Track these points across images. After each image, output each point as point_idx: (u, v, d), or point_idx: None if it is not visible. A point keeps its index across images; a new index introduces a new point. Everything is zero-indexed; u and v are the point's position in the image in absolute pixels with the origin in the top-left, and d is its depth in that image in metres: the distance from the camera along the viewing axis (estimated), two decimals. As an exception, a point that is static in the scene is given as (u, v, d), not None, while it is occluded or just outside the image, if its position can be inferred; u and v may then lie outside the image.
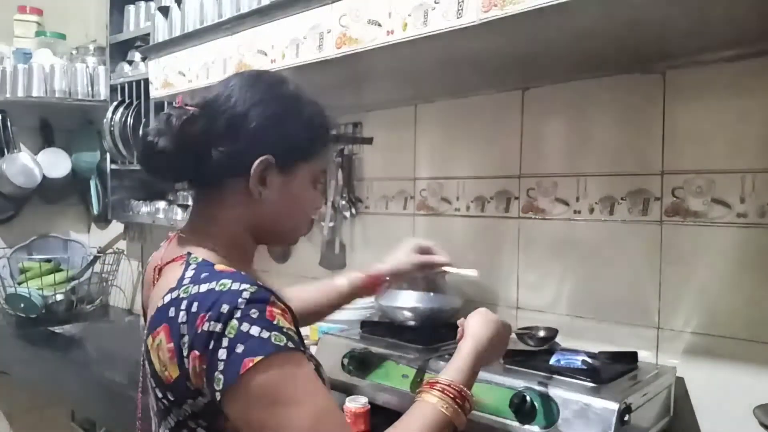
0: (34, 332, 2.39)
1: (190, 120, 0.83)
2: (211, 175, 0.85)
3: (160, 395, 0.80)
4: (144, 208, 2.60)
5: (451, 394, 0.87)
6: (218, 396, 0.72)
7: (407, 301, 1.51)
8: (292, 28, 1.38)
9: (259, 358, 0.71)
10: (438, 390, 0.87)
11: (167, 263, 0.87)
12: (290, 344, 0.74)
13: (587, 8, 0.96)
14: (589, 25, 1.07)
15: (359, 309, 1.70)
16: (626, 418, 1.05)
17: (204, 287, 0.76)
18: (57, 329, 2.45)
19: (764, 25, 1.08)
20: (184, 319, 0.75)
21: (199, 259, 0.83)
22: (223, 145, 0.84)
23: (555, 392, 1.11)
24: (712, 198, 1.27)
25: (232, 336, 0.72)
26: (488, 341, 0.97)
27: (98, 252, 2.78)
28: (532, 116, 1.56)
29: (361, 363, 1.38)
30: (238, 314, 0.72)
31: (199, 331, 0.73)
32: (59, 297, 2.59)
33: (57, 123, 2.89)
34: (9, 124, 2.69)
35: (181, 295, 0.77)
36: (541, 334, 1.32)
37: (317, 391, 0.77)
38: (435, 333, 1.47)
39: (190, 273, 0.80)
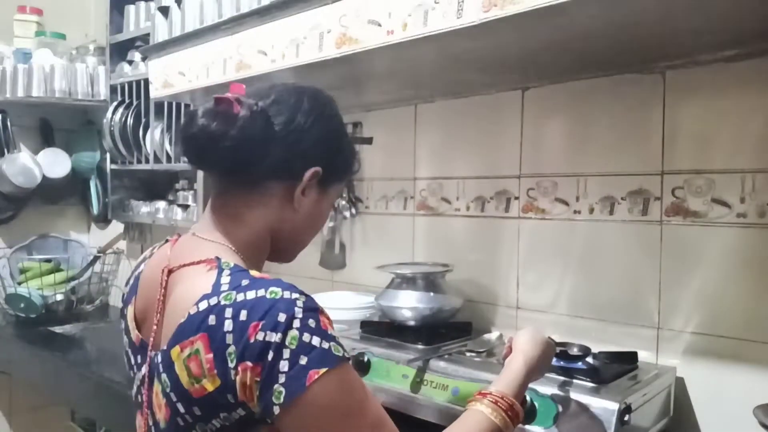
0: (34, 332, 2.39)
1: (260, 113, 0.82)
2: (259, 172, 0.84)
3: (182, 410, 0.75)
4: (144, 208, 2.61)
5: (503, 406, 0.88)
6: (276, 410, 0.70)
7: (407, 301, 1.51)
8: (292, 28, 1.38)
9: (324, 369, 0.70)
10: (490, 401, 0.88)
11: (183, 266, 0.83)
12: (346, 355, 0.74)
13: (587, 8, 0.96)
14: (589, 25, 1.07)
15: (359, 309, 1.71)
16: (626, 418, 1.05)
17: (251, 294, 0.73)
18: (57, 329, 2.45)
19: (764, 25, 1.08)
20: (230, 328, 0.71)
21: (232, 264, 0.79)
22: (283, 146, 0.83)
23: (555, 392, 1.11)
24: (712, 198, 1.27)
25: (294, 347, 0.70)
26: (537, 359, 0.99)
27: (98, 252, 2.77)
28: (532, 116, 1.56)
29: (361, 363, 1.38)
30: (297, 324, 0.70)
31: (252, 340, 0.69)
32: (59, 297, 2.59)
33: (57, 123, 2.89)
34: (9, 124, 2.69)
35: (222, 302, 0.73)
36: (574, 351, 1.26)
37: (372, 402, 0.76)
38: (435, 333, 1.47)
39: (226, 279, 0.76)
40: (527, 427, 1.11)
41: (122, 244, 2.91)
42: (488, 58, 1.33)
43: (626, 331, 1.39)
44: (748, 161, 1.22)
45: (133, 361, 0.90)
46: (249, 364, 0.70)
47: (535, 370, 0.98)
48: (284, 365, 0.69)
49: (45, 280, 2.55)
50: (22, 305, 2.51)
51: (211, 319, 0.72)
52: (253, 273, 0.78)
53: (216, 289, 0.75)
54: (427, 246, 1.81)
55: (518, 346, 1.00)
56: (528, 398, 1.10)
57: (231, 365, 0.70)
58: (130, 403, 0.95)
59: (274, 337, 0.69)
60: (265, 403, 0.70)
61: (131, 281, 0.95)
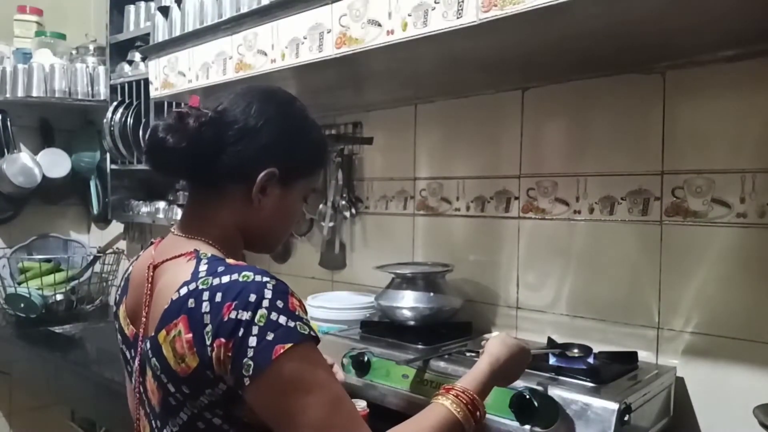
0: (34, 332, 2.39)
1: (208, 123, 0.87)
2: (216, 177, 0.89)
3: (173, 390, 0.81)
4: (144, 208, 2.60)
5: (464, 400, 0.91)
6: (246, 381, 0.75)
7: (407, 301, 1.51)
8: (292, 28, 1.38)
9: (289, 345, 0.76)
10: (453, 395, 0.92)
11: (167, 260, 0.89)
12: (312, 333, 0.79)
13: (587, 8, 0.97)
14: (589, 25, 1.07)
15: (359, 309, 1.71)
16: (626, 418, 1.05)
17: (225, 278, 0.79)
18: (57, 329, 2.45)
19: (764, 25, 1.08)
20: (207, 309, 0.77)
21: (209, 255, 0.86)
22: (233, 152, 0.88)
23: (555, 392, 1.11)
24: (712, 198, 1.27)
25: (262, 324, 0.76)
26: (504, 362, 1.01)
27: (98, 252, 2.77)
28: (532, 116, 1.56)
29: (361, 363, 1.38)
30: (266, 304, 0.77)
31: (225, 319, 0.76)
32: (59, 297, 2.59)
33: (57, 123, 2.89)
34: (9, 124, 2.69)
35: (200, 287, 0.79)
36: (575, 352, 1.27)
37: (333, 380, 0.81)
38: (435, 333, 1.47)
39: (204, 267, 0.83)
40: (527, 427, 1.11)
41: (122, 244, 2.92)
42: (488, 58, 1.33)
43: (626, 331, 1.39)
44: (748, 161, 1.22)
45: (128, 356, 0.95)
46: (222, 340, 0.76)
47: (502, 371, 1.01)
48: (253, 340, 0.75)
49: (45, 280, 2.55)
50: (22, 305, 2.51)
51: (191, 303, 0.79)
52: (229, 261, 0.85)
53: (195, 276, 0.81)
54: (427, 246, 1.81)
55: (487, 348, 1.04)
56: (528, 397, 1.11)
57: (208, 342, 0.77)
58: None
59: (245, 315, 0.76)
60: (237, 375, 0.76)
61: (122, 283, 1.02)
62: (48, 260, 2.66)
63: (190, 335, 0.78)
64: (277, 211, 0.93)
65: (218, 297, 0.77)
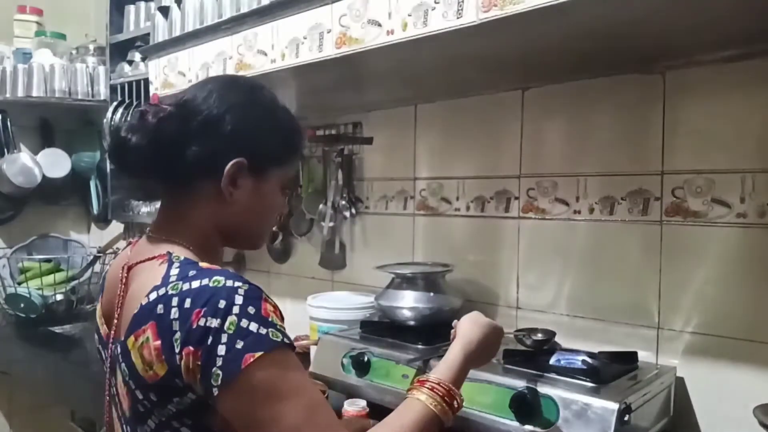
0: (34, 332, 2.39)
1: (166, 118, 0.84)
2: (183, 174, 0.86)
3: (140, 397, 0.79)
4: (144, 208, 2.60)
5: (440, 393, 0.89)
6: (215, 391, 0.72)
7: (407, 301, 1.51)
8: (292, 28, 1.38)
9: (259, 353, 0.72)
10: (427, 388, 0.89)
11: (140, 262, 0.87)
12: (285, 340, 0.76)
13: (587, 8, 0.97)
14: (589, 25, 1.07)
15: (359, 309, 1.71)
16: (626, 418, 1.05)
17: (195, 284, 0.76)
18: (57, 329, 2.45)
19: (764, 25, 1.08)
20: (176, 316, 0.74)
21: (182, 258, 0.83)
22: (197, 145, 0.84)
23: (555, 392, 1.11)
24: (712, 198, 1.27)
25: (231, 332, 0.72)
26: (477, 344, 1.00)
27: (98, 252, 2.77)
28: (532, 116, 1.56)
29: (361, 363, 1.38)
30: (236, 310, 0.73)
31: (194, 326, 0.73)
32: (59, 297, 2.59)
33: (57, 123, 2.89)
34: (9, 124, 2.69)
35: (170, 292, 0.76)
36: (539, 336, 1.30)
37: (309, 386, 0.78)
38: (435, 333, 1.47)
39: (175, 271, 0.80)
40: (527, 427, 1.11)
41: (122, 244, 2.91)
42: (488, 58, 1.33)
43: (626, 331, 1.39)
44: (748, 161, 1.22)
45: (103, 356, 0.95)
46: (191, 348, 0.73)
47: (476, 354, 0.99)
48: (222, 349, 0.72)
49: (45, 280, 2.55)
50: (22, 305, 2.51)
51: (159, 308, 0.76)
52: (202, 264, 0.81)
53: (165, 281, 0.79)
54: (427, 246, 1.81)
55: (458, 331, 1.02)
56: (528, 397, 1.11)
57: (176, 350, 0.74)
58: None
59: (214, 323, 0.73)
60: (206, 385, 0.73)
61: (101, 282, 0.99)
62: (48, 260, 2.65)
63: (159, 342, 0.75)
64: (253, 204, 0.90)
65: (187, 303, 0.74)
